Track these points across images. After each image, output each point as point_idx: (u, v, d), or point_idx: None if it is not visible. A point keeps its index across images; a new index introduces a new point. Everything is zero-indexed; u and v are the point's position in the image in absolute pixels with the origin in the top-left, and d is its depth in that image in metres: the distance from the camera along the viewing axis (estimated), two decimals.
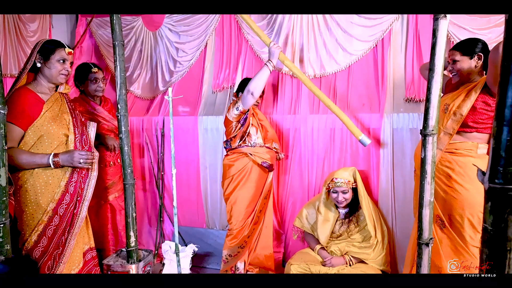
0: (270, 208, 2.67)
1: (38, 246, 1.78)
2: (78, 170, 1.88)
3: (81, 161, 1.81)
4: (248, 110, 2.40)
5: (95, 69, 2.57)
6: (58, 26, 3.45)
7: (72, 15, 3.57)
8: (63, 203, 1.83)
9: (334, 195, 2.32)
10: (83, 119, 2.06)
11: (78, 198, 1.89)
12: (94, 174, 1.96)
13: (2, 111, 1.25)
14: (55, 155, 1.78)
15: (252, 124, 2.47)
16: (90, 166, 1.89)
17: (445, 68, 1.92)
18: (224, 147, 2.58)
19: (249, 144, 2.46)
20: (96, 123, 2.15)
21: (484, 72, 1.90)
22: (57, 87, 1.95)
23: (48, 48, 1.84)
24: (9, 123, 1.67)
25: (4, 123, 1.26)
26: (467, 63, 1.88)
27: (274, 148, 2.57)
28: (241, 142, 2.46)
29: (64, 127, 1.88)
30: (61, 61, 1.85)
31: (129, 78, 3.39)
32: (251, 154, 2.43)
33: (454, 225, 1.89)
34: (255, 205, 2.50)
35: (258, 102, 2.64)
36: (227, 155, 2.54)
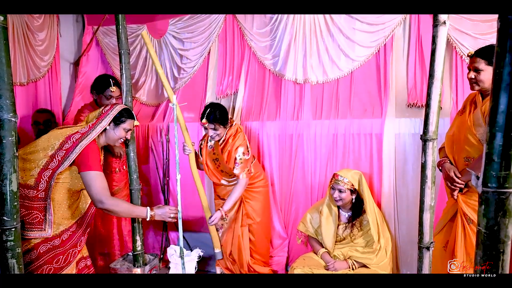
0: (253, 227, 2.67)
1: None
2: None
3: (172, 215, 2.04)
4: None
5: (113, 88, 2.58)
6: (66, 35, 3.52)
7: (79, 24, 3.64)
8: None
9: (332, 191, 2.35)
10: None
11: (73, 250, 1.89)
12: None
13: (13, 119, 1.28)
14: (151, 209, 2.02)
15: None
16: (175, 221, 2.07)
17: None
18: None
19: None
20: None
21: None
22: None
23: (121, 117, 1.95)
24: (96, 172, 1.78)
25: (15, 130, 1.29)
26: (491, 74, 1.81)
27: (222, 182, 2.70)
28: None
29: None
30: (127, 130, 1.98)
31: (135, 85, 3.44)
32: None
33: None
34: None
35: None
36: None
